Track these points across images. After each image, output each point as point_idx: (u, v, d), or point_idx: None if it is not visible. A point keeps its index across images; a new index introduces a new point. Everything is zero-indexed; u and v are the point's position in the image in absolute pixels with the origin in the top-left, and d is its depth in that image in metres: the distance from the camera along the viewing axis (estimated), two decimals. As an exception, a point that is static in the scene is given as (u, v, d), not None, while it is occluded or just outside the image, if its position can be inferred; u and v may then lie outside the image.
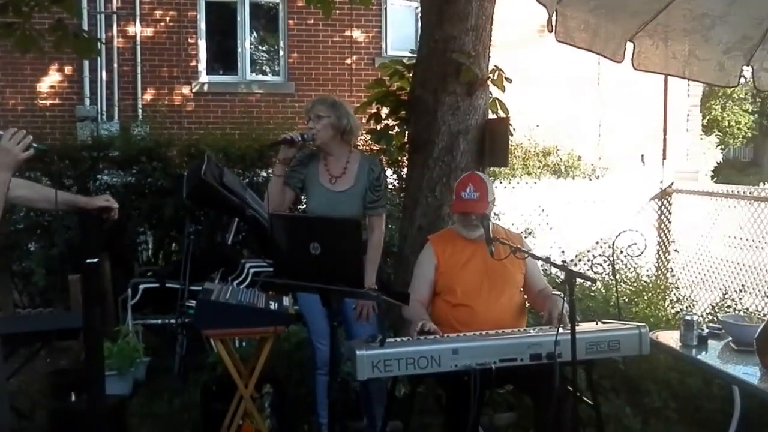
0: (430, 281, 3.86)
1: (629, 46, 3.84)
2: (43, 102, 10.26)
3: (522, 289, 3.93)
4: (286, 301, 4.21)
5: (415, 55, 5.38)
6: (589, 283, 4.24)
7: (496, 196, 3.94)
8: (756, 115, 29.70)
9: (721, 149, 21.68)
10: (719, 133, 24.79)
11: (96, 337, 3.62)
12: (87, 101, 10.30)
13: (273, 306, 4.09)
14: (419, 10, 5.38)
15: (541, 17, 3.23)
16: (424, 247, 4.00)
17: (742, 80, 4.28)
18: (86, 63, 10.09)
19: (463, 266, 3.81)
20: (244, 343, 5.35)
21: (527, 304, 4.04)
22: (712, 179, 12.74)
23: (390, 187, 7.21)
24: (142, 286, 6.05)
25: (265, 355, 4.05)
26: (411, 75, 5.40)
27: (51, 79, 10.33)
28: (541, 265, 4.15)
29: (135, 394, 5.36)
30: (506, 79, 5.38)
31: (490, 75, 5.23)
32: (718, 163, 13.97)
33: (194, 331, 5.05)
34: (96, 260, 3.47)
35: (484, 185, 3.79)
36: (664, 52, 3.98)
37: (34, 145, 2.99)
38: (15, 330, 3.94)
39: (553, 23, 3.42)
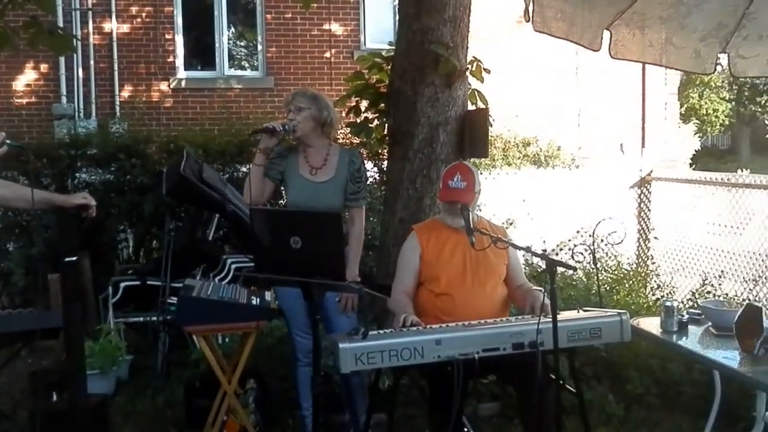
0: (415, 270, 3.86)
1: (606, 34, 3.85)
2: (19, 101, 10.14)
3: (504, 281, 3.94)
4: (268, 296, 4.20)
5: (393, 48, 5.37)
6: (571, 271, 4.27)
7: (481, 187, 3.95)
8: (733, 102, 29.96)
9: (699, 137, 21.80)
10: (697, 122, 24.93)
11: (76, 335, 3.60)
12: (64, 99, 10.19)
13: (255, 301, 4.09)
14: (397, 2, 5.37)
15: (519, 7, 3.24)
16: (408, 236, 4.00)
17: (719, 68, 4.31)
18: (62, 60, 9.98)
19: (447, 255, 3.81)
20: (227, 339, 5.34)
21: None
22: (690, 167, 12.79)
23: (371, 179, 7.21)
24: (123, 284, 6.02)
25: (248, 350, 4.05)
26: (390, 67, 5.39)
27: (27, 78, 10.21)
28: (523, 255, 4.17)
29: (118, 393, 5.34)
30: (485, 70, 5.39)
31: (469, 66, 5.24)
32: (696, 151, 14.02)
33: (176, 328, 5.03)
34: (74, 258, 3.45)
35: (471, 175, 3.80)
36: (640, 41, 3.99)
37: (8, 141, 2.97)
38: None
39: (530, 13, 3.44)
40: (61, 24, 9.21)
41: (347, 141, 6.88)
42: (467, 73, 5.23)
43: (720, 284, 6.02)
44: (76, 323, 3.60)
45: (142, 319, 6.05)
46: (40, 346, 5.62)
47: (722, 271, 6.57)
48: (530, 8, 3.39)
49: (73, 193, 5.84)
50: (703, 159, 21.96)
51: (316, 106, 4.03)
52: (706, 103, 28.55)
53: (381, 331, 3.49)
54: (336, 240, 3.17)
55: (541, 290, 3.66)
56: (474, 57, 5.32)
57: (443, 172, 3.93)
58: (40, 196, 3.56)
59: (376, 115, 5.62)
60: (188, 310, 3.97)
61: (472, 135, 5.14)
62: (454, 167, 3.88)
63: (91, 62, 10.30)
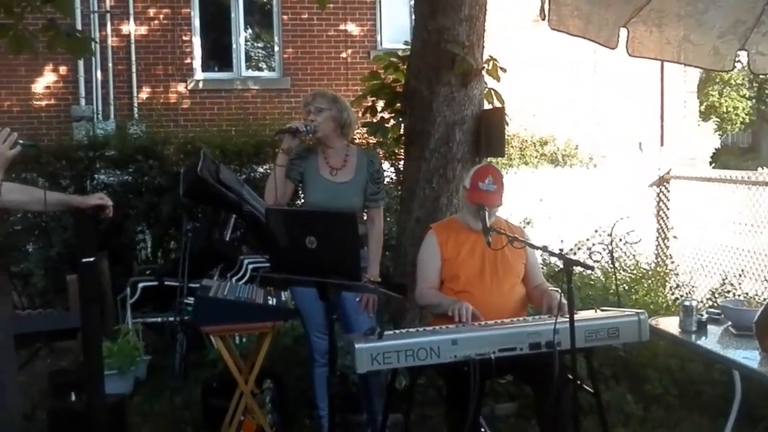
0: (437, 267, 3.86)
1: (623, 32, 3.83)
2: (39, 103, 10.23)
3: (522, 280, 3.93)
4: (285, 295, 4.20)
5: (409, 47, 5.36)
6: (588, 271, 4.25)
7: None
8: (753, 100, 29.66)
9: (719, 135, 21.63)
10: (717, 119, 24.73)
11: (94, 336, 3.61)
12: (82, 101, 10.27)
13: (271, 301, 4.09)
14: (413, 1, 5.37)
15: (535, 5, 3.22)
16: (426, 235, 3.99)
17: (738, 65, 4.27)
18: (81, 63, 10.06)
19: (466, 254, 3.82)
20: (243, 339, 5.36)
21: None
22: (710, 165, 12.72)
23: (387, 179, 7.20)
24: (141, 285, 6.05)
25: (265, 350, 4.05)
26: (406, 67, 5.38)
27: (46, 80, 10.29)
28: (540, 254, 4.15)
29: (136, 393, 5.36)
30: (501, 68, 5.37)
31: (485, 65, 5.22)
32: (716, 149, 13.93)
33: (194, 329, 5.04)
34: (92, 259, 3.46)
35: (501, 179, 3.81)
36: (658, 38, 3.97)
37: (20, 141, 3.00)
38: (14, 331, 3.92)
39: (546, 11, 3.42)
40: (79, 26, 9.32)
41: (363, 141, 6.87)
42: (483, 72, 5.21)
43: (740, 283, 5.95)
44: (94, 324, 3.62)
45: (159, 319, 6.08)
46: (59, 346, 5.67)
47: (742, 270, 6.49)
48: (546, 6, 3.38)
49: (91, 194, 5.87)
50: (723, 157, 21.79)
51: (336, 108, 4.04)
52: (726, 100, 28.29)
53: (397, 331, 3.49)
54: (351, 240, 3.16)
55: (557, 290, 3.64)
56: (490, 56, 5.30)
57: (473, 172, 3.88)
58: (56, 197, 3.58)
59: (392, 114, 5.62)
60: (205, 310, 3.98)
61: (488, 134, 5.12)
62: (485, 169, 3.87)
63: (110, 64, 10.37)
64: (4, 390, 3.15)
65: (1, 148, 2.91)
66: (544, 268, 5.58)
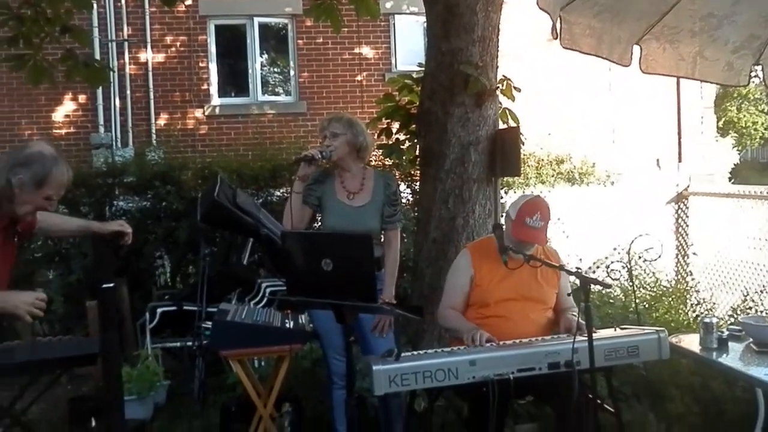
0: (465, 291, 3.83)
1: (636, 49, 3.83)
2: (58, 131, 10.36)
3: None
4: (302, 318, 4.21)
5: (423, 69, 5.39)
6: (607, 289, 4.22)
7: None
8: (772, 115, 29.48)
9: (737, 150, 21.50)
10: (735, 135, 24.60)
11: (114, 361, 3.62)
12: (101, 128, 10.39)
13: (289, 324, 4.09)
14: (427, 23, 5.40)
15: (548, 25, 3.23)
16: (460, 254, 3.97)
17: (756, 80, 4.26)
18: (100, 91, 10.18)
19: (498, 281, 3.78)
20: (262, 363, 5.35)
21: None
22: (729, 181, 12.60)
23: (403, 201, 7.21)
24: (159, 310, 6.07)
25: (283, 373, 4.05)
26: (420, 89, 5.41)
27: (65, 109, 10.43)
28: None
29: (156, 418, 5.35)
30: (515, 88, 5.38)
31: (499, 85, 5.23)
32: (735, 164, 13.82)
33: (213, 353, 5.05)
34: (111, 285, 3.49)
35: (549, 215, 3.72)
36: (671, 54, 3.97)
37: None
38: (34, 357, 3.95)
39: (559, 30, 3.42)
40: (98, 55, 9.44)
41: (379, 163, 6.89)
42: (497, 92, 5.22)
43: (762, 300, 5.89)
44: (114, 349, 3.63)
45: (178, 344, 6.09)
46: (79, 372, 5.68)
47: (764, 287, 6.43)
48: (558, 25, 3.38)
49: (110, 220, 5.92)
50: (743, 172, 21.62)
51: (351, 132, 4.05)
52: (744, 116, 28.14)
53: (415, 353, 3.48)
54: (367, 261, 3.17)
55: (574, 314, 3.61)
56: (504, 76, 5.32)
57: (521, 204, 3.74)
58: (77, 224, 3.63)
59: (407, 136, 5.64)
60: (223, 334, 3.99)
61: (503, 154, 5.12)
62: (535, 204, 3.73)
63: (128, 92, 10.50)
64: None
65: (19, 302, 2.99)
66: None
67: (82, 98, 10.41)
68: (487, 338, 3.48)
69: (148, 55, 10.55)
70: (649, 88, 10.06)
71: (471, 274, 3.82)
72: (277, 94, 11.42)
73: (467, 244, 4.05)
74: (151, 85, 10.56)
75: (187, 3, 9.66)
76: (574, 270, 3.37)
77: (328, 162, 4.09)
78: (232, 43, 11.21)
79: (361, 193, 4.08)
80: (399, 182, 6.89)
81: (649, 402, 4.76)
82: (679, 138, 11.33)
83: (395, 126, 5.75)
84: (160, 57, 10.66)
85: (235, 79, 11.28)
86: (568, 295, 3.82)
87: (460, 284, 3.85)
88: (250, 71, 11.08)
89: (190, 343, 5.72)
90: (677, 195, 9.22)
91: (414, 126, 5.48)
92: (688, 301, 6.31)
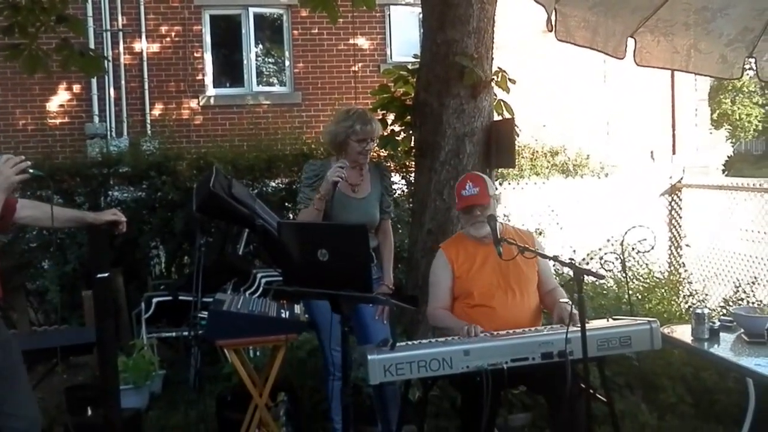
0: (448, 288, 3.87)
1: (630, 42, 3.85)
2: (53, 121, 10.35)
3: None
4: (298, 309, 4.23)
5: (418, 60, 5.40)
6: (600, 280, 4.25)
7: (499, 194, 3.96)
8: (766, 107, 29.56)
9: (731, 143, 21.55)
10: (729, 127, 24.66)
11: (109, 350, 3.65)
12: (96, 119, 10.38)
13: (284, 314, 4.10)
14: (422, 15, 5.40)
15: (544, 16, 3.24)
16: (435, 255, 4.01)
17: (751, 72, 4.28)
18: (94, 81, 10.17)
19: (477, 269, 3.82)
20: (257, 353, 5.38)
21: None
22: (723, 173, 12.65)
23: (398, 192, 7.23)
24: (155, 300, 6.10)
25: (278, 363, 4.07)
26: (415, 80, 5.42)
27: (60, 98, 10.41)
28: (552, 264, 4.15)
29: (151, 407, 5.39)
30: (510, 80, 5.39)
31: (494, 77, 5.24)
32: (729, 156, 13.86)
33: (208, 343, 5.07)
34: (106, 275, 3.51)
35: (482, 180, 3.84)
36: (666, 47, 3.99)
37: (30, 170, 3.06)
38: (30, 347, 3.97)
39: (553, 22, 3.44)
40: (92, 45, 9.41)
41: (374, 154, 6.90)
42: (493, 84, 5.23)
43: (753, 291, 5.93)
44: (109, 339, 3.66)
45: (174, 334, 6.12)
46: (75, 361, 5.71)
47: (755, 278, 6.47)
48: (552, 18, 3.39)
49: (105, 210, 5.93)
50: (737, 165, 21.70)
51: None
52: (738, 108, 28.22)
53: (409, 342, 3.51)
54: (363, 252, 3.19)
55: (568, 302, 3.65)
56: (499, 68, 5.33)
57: (455, 186, 3.94)
58: (70, 214, 3.63)
59: (403, 127, 5.64)
60: (218, 324, 4.00)
61: (498, 145, 5.14)
62: (464, 178, 3.92)
63: (122, 82, 10.48)
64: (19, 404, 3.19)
65: (8, 172, 2.98)
66: (557, 278, 5.58)
67: (76, 88, 10.39)
68: (481, 331, 3.51)
69: (142, 45, 10.53)
70: (643, 80, 10.10)
71: (450, 268, 3.87)
72: (272, 84, 11.41)
73: (440, 245, 4.07)
74: (145, 75, 10.54)
75: (182, -7, 9.66)
76: (567, 261, 3.38)
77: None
78: (227, 34, 11.19)
79: (362, 185, 4.13)
80: (393, 173, 6.92)
81: (642, 392, 4.81)
82: (673, 130, 11.37)
83: (390, 117, 5.75)
84: (155, 47, 10.64)
85: (230, 70, 11.27)
86: (563, 282, 3.85)
87: (442, 281, 3.89)
88: (245, 62, 11.06)
89: (185, 333, 5.75)
90: (671, 187, 9.24)
91: (409, 117, 5.49)
92: (680, 292, 6.35)
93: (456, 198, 3.90)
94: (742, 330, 3.81)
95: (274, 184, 7.55)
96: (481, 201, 3.77)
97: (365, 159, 4.08)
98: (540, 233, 7.23)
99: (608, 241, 6.48)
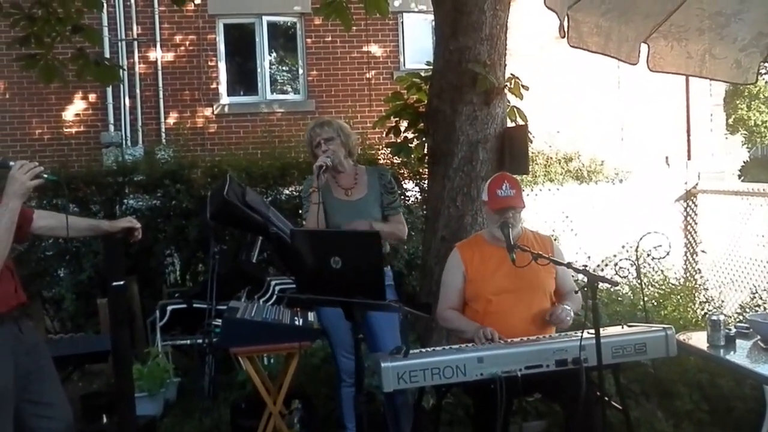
0: (459, 289, 3.85)
1: (644, 47, 3.84)
2: (69, 130, 10.40)
3: (553, 293, 3.90)
4: (311, 316, 4.23)
5: (431, 68, 5.40)
6: (615, 287, 4.22)
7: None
8: (783, 113, 29.33)
9: (747, 148, 21.41)
10: (745, 132, 24.50)
11: (125, 358, 3.66)
12: (111, 127, 10.43)
13: (298, 322, 4.12)
14: (435, 22, 5.41)
15: (557, 23, 3.24)
16: (450, 254, 3.99)
17: (767, 77, 4.25)
18: (109, 90, 10.23)
19: (491, 271, 3.80)
20: (271, 360, 5.38)
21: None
22: (739, 178, 12.58)
23: (412, 199, 7.24)
24: (170, 308, 6.12)
25: (292, 370, 4.08)
26: (428, 87, 5.42)
27: (76, 108, 10.47)
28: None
29: (166, 415, 5.40)
30: (523, 86, 5.39)
31: (507, 83, 5.24)
32: (745, 162, 13.78)
33: (222, 350, 5.09)
34: (122, 283, 3.52)
35: (517, 183, 3.80)
36: (679, 53, 3.96)
37: (45, 175, 3.09)
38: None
39: (566, 29, 3.43)
40: (107, 54, 9.47)
41: (388, 161, 6.91)
42: (506, 91, 5.23)
43: (770, 297, 5.90)
44: (125, 347, 3.67)
45: (188, 341, 6.14)
46: (90, 369, 5.74)
47: (772, 284, 6.44)
48: (565, 24, 3.39)
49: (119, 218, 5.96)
50: (754, 170, 21.53)
51: (342, 134, 4.18)
52: (754, 114, 28.01)
53: (423, 350, 3.50)
54: (376, 259, 3.19)
55: (567, 306, 3.64)
56: (512, 74, 5.33)
57: (488, 184, 3.85)
58: (85, 223, 3.66)
59: (416, 134, 5.65)
60: (232, 331, 4.01)
61: (512, 152, 5.13)
62: (500, 177, 3.85)
63: (137, 91, 10.53)
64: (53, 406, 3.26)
65: (23, 177, 3.01)
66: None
67: (92, 97, 10.45)
68: (496, 334, 3.50)
69: (157, 54, 10.59)
70: (658, 85, 10.04)
71: (462, 270, 3.85)
72: (286, 92, 11.43)
73: (456, 244, 4.06)
74: (160, 84, 10.58)
75: (196, 2, 9.65)
76: (581, 268, 3.37)
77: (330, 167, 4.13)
78: (240, 42, 11.22)
79: (356, 187, 4.18)
80: (406, 180, 6.92)
81: (657, 399, 4.77)
82: (688, 135, 11.29)
83: (404, 124, 5.76)
84: (170, 56, 10.70)
85: (244, 78, 11.30)
86: (578, 289, 3.82)
87: (454, 282, 3.88)
88: (258, 70, 11.10)
89: (200, 341, 5.76)
90: (686, 193, 9.20)
91: (422, 124, 5.50)
92: (696, 298, 6.31)
93: (487, 196, 3.80)
94: (759, 337, 3.77)
95: (287, 192, 7.57)
96: (518, 204, 3.75)
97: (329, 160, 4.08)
98: (555, 239, 7.20)
99: (623, 247, 6.45)
